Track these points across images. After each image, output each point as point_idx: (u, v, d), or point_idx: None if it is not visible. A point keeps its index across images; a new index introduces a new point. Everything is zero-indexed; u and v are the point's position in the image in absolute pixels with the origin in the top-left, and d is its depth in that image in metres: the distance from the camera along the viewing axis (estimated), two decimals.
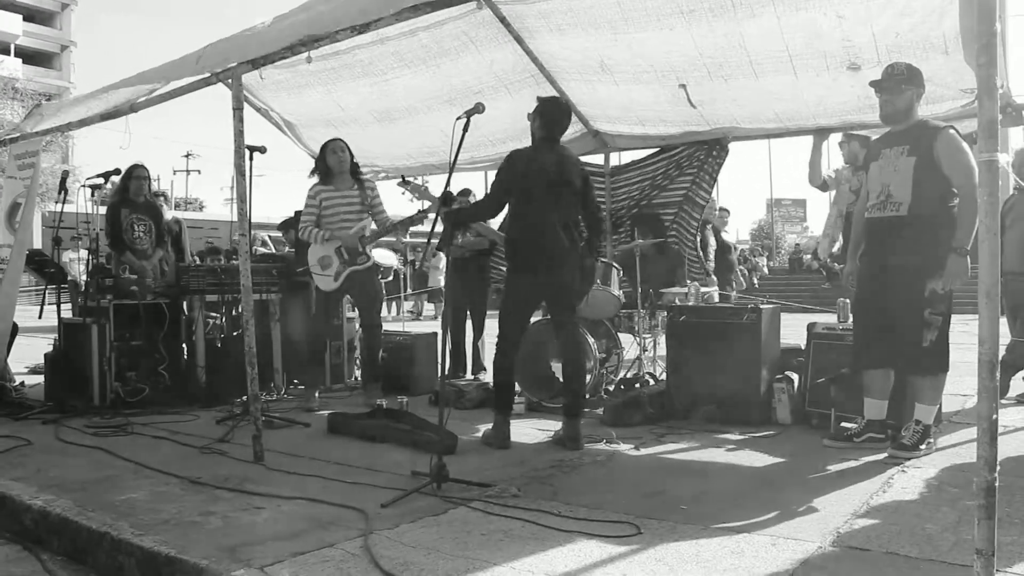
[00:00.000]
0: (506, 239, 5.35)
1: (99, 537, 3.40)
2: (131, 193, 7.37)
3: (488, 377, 7.21)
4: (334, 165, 6.50)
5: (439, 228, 5.15)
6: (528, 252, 5.05)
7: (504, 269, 7.70)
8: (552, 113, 5.15)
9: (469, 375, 7.71)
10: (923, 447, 4.53)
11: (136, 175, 7.38)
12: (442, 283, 19.87)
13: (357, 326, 8.04)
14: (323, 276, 6.50)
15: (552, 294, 5.18)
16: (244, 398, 5.37)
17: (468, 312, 7.89)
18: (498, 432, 5.01)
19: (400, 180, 6.72)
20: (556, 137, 5.19)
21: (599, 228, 5.46)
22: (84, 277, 7.62)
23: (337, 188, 6.52)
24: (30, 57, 49.20)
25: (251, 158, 5.44)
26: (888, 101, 4.54)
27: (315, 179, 6.62)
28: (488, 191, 5.26)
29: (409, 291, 19.70)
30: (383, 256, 8.94)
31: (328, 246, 6.45)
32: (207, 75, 4.97)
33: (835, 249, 6.61)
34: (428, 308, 21.17)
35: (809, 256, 32.52)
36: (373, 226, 6.60)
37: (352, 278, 6.49)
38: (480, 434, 5.23)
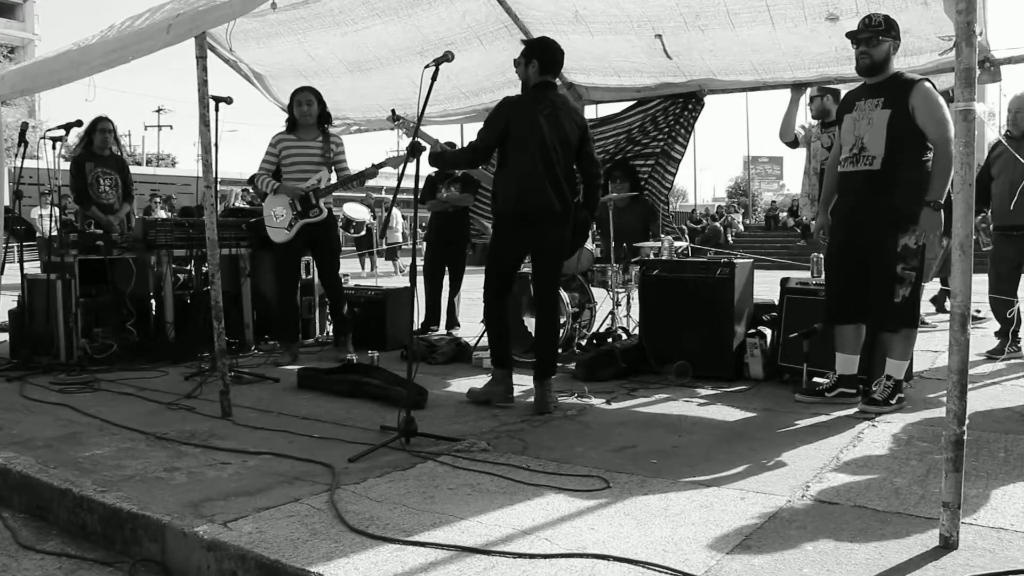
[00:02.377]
0: (492, 190, 5.09)
1: (60, 494, 3.34)
2: (95, 146, 7.22)
3: (461, 332, 7.16)
4: (299, 116, 6.38)
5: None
6: (513, 207, 4.80)
7: (484, 222, 7.63)
8: (545, 50, 4.88)
9: (442, 330, 7.66)
10: (893, 402, 4.54)
11: (100, 128, 7.21)
12: (399, 240, 19.66)
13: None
14: (275, 228, 6.39)
15: (537, 253, 4.95)
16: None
17: (445, 267, 7.83)
18: (495, 387, 4.88)
19: (391, 115, 6.42)
20: (553, 81, 4.94)
21: (596, 183, 5.08)
22: (52, 233, 7.50)
23: (300, 138, 6.39)
24: None
25: (217, 109, 5.31)
26: (865, 53, 4.47)
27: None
28: (477, 138, 4.90)
29: (383, 246, 19.50)
30: (356, 210, 8.78)
31: (282, 197, 6.34)
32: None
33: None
34: (386, 265, 20.79)
35: (785, 213, 32.61)
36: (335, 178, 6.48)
37: (306, 231, 6.36)
38: (460, 390, 5.19)
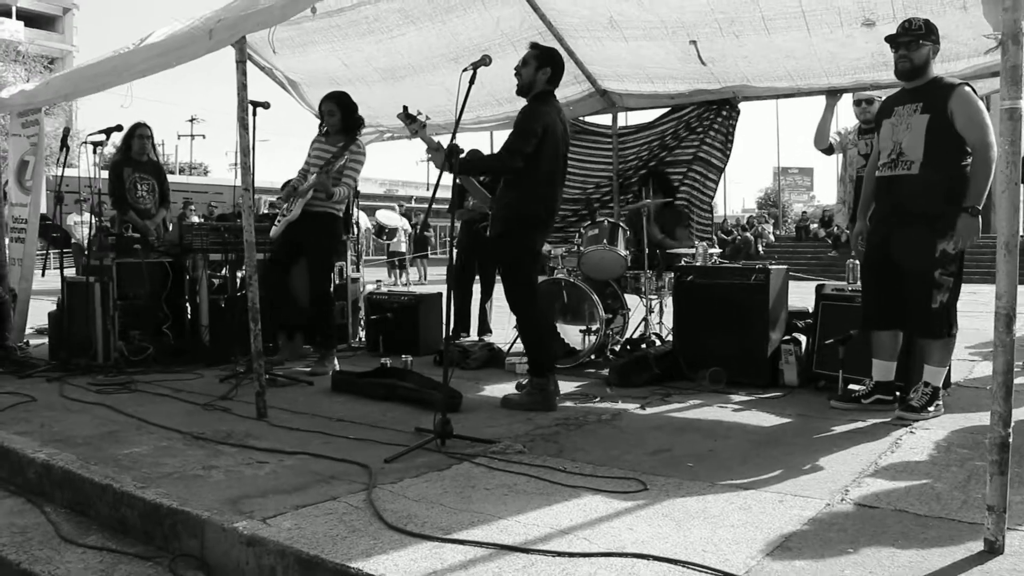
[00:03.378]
0: (518, 195, 4.92)
1: (101, 490, 3.39)
2: (134, 152, 7.32)
3: (493, 339, 7.15)
4: (326, 123, 6.37)
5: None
6: (542, 211, 4.95)
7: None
8: (559, 63, 4.99)
9: (473, 336, 7.66)
10: (931, 409, 4.48)
11: (139, 134, 7.31)
12: (403, 250, 19.49)
13: (361, 287, 8.00)
14: (275, 225, 6.32)
15: (537, 254, 5.17)
16: (248, 357, 5.33)
17: (476, 275, 7.83)
18: (534, 396, 4.88)
19: (402, 111, 5.56)
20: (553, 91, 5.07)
21: None
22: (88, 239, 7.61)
23: (325, 141, 6.33)
24: (31, 20, 48.84)
25: (254, 113, 5.36)
26: (904, 57, 4.43)
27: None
28: (512, 143, 4.81)
29: (411, 255, 19.45)
30: (388, 217, 8.82)
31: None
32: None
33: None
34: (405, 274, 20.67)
35: (816, 224, 32.35)
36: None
37: (290, 232, 6.16)
38: (493, 394, 5.22)
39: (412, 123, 4.94)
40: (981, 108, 4.29)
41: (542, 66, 4.90)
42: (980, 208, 4.18)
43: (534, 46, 5.06)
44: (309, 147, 6.44)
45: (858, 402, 4.69)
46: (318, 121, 6.62)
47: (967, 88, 4.34)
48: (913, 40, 4.38)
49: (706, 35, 5.96)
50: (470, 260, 7.76)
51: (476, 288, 7.89)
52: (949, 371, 4.85)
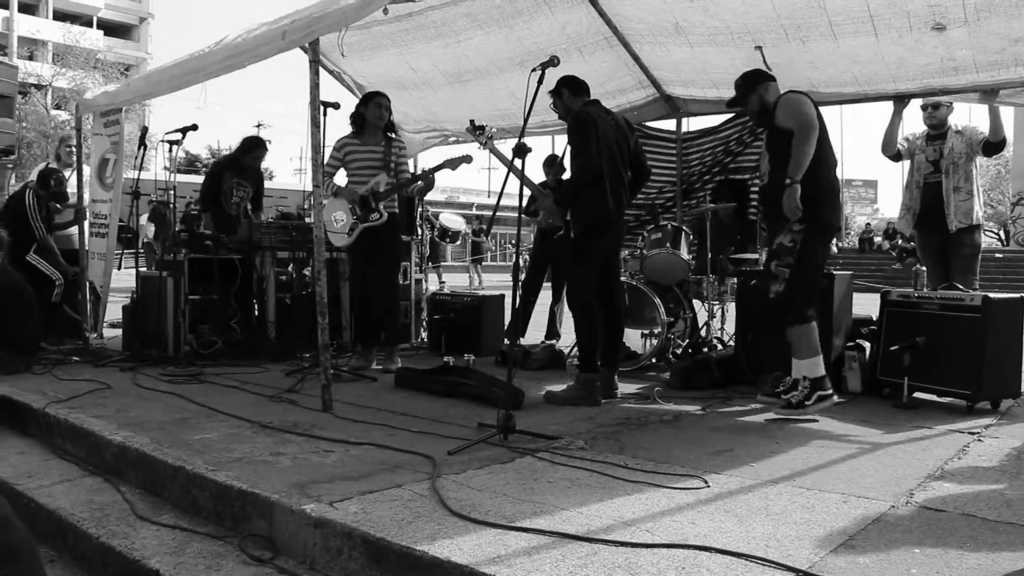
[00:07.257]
0: (586, 202, 5.08)
1: (174, 471, 3.50)
2: (242, 162, 7.50)
3: (561, 344, 7.16)
4: (373, 119, 6.31)
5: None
6: (605, 218, 5.06)
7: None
8: (570, 80, 5.30)
9: (530, 340, 7.67)
10: (809, 403, 4.52)
11: (255, 155, 7.57)
12: (449, 258, 19.77)
13: (425, 288, 8.09)
14: (336, 233, 6.30)
15: (613, 255, 5.34)
16: (313, 353, 5.44)
17: (545, 282, 7.84)
18: (580, 391, 4.99)
19: (470, 125, 6.04)
20: (594, 99, 5.32)
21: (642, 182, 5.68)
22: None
23: (364, 142, 6.31)
24: (111, 29, 50.60)
25: (325, 113, 5.47)
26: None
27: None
28: (583, 153, 4.97)
29: (470, 259, 19.59)
30: (451, 220, 8.90)
31: (342, 202, 6.25)
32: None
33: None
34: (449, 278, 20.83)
35: (880, 237, 31.78)
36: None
37: (368, 235, 6.24)
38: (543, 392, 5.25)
39: (480, 134, 5.09)
40: (798, 101, 4.60)
41: (559, 94, 5.29)
42: (797, 179, 4.41)
43: (551, 92, 5.33)
44: (339, 149, 6.33)
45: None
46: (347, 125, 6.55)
47: (786, 94, 4.70)
48: (741, 104, 4.99)
49: (772, 41, 5.92)
50: (542, 266, 7.75)
51: (544, 295, 7.92)
52: (819, 364, 4.75)
